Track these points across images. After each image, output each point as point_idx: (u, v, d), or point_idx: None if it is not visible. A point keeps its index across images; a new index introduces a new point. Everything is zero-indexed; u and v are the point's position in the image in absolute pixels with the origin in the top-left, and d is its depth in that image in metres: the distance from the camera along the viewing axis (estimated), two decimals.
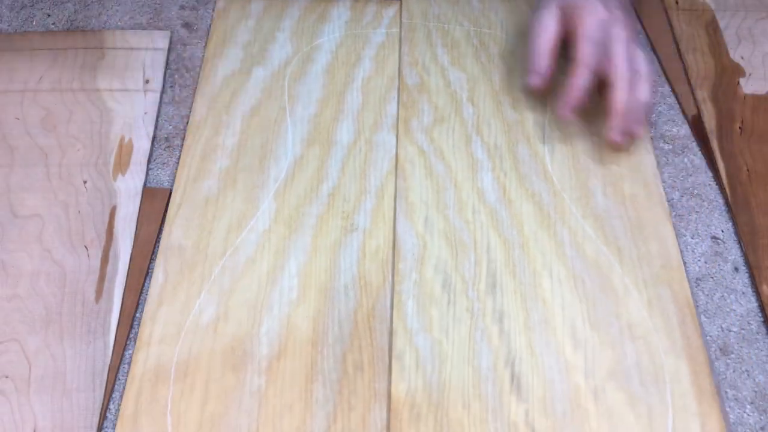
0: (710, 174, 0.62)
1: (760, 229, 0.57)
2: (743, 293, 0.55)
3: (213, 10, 0.73)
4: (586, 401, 0.48)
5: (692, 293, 0.53)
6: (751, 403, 0.49)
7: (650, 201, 0.58)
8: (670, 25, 0.72)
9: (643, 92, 0.57)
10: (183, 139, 0.63)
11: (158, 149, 0.63)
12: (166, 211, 0.58)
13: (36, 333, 0.51)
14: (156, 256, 0.55)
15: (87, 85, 0.66)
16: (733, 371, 0.51)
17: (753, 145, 0.62)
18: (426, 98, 0.65)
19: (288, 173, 0.60)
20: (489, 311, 0.52)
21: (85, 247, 0.56)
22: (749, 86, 0.67)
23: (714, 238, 0.58)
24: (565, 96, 0.58)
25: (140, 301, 0.54)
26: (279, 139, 0.62)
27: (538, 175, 0.60)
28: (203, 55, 0.69)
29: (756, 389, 0.50)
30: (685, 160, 0.63)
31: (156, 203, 0.59)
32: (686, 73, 0.68)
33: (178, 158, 0.61)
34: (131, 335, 0.52)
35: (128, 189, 0.59)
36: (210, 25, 0.72)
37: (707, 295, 0.55)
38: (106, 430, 0.48)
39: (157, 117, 0.65)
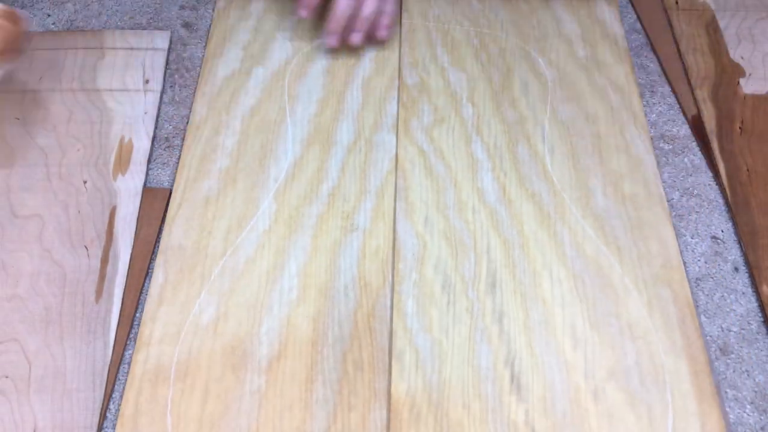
0: (710, 174, 0.62)
1: (760, 229, 0.57)
2: (743, 293, 0.55)
3: (213, 10, 0.73)
4: (586, 401, 0.48)
5: (692, 293, 0.53)
6: (751, 403, 0.49)
7: (650, 201, 0.58)
8: (670, 25, 0.72)
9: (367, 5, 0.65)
10: (183, 139, 0.63)
11: (158, 149, 0.63)
12: (166, 211, 0.58)
13: (36, 333, 0.51)
14: (156, 256, 0.55)
15: (87, 85, 0.66)
16: (733, 371, 0.51)
17: (753, 145, 0.62)
18: (426, 98, 0.65)
19: (288, 173, 0.60)
20: (489, 311, 0.52)
21: (85, 247, 0.56)
22: (749, 86, 0.67)
23: (714, 238, 0.58)
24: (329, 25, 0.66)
25: (140, 301, 0.54)
26: (279, 139, 0.62)
27: (537, 175, 0.60)
28: (203, 55, 0.69)
29: (756, 389, 0.50)
30: (685, 160, 0.63)
31: (156, 203, 0.59)
32: (686, 73, 0.68)
33: (178, 158, 0.61)
34: (131, 335, 0.52)
35: (128, 189, 0.59)
36: (210, 25, 0.72)
37: (707, 295, 0.55)
38: (106, 430, 0.48)
39: (157, 117, 0.65)
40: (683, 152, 0.63)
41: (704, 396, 0.48)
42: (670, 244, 0.55)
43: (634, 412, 0.47)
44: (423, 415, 0.47)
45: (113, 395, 0.50)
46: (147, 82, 0.66)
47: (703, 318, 0.53)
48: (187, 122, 0.64)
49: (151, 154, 0.62)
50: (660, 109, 0.66)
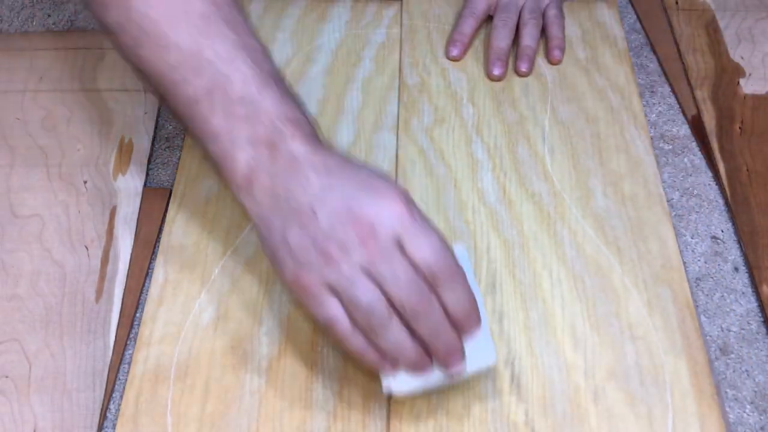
0: (710, 174, 0.62)
1: (760, 229, 0.57)
2: (743, 293, 0.55)
3: None
4: (586, 401, 0.48)
5: (692, 293, 0.53)
6: (751, 403, 0.49)
7: (650, 201, 0.58)
8: (670, 25, 0.72)
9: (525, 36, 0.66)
10: (183, 139, 0.63)
11: (158, 149, 0.63)
12: (166, 211, 0.58)
13: (36, 333, 0.51)
14: (156, 256, 0.55)
15: (87, 85, 0.66)
16: (733, 371, 0.51)
17: (753, 145, 0.62)
18: (426, 98, 0.65)
19: None
20: (489, 311, 0.52)
21: (85, 247, 0.56)
22: (749, 86, 0.67)
23: (714, 238, 0.58)
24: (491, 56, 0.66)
25: (140, 301, 0.54)
26: None
27: (538, 176, 0.60)
28: None
29: (756, 389, 0.50)
30: (685, 160, 0.63)
31: (156, 203, 0.59)
32: (686, 73, 0.68)
33: (178, 158, 0.61)
34: (131, 335, 0.52)
35: (128, 189, 0.59)
36: None
37: (707, 295, 0.55)
38: (106, 430, 0.48)
39: (158, 117, 0.65)
40: (683, 152, 0.63)
41: (704, 396, 0.48)
42: (670, 244, 0.55)
43: (633, 412, 0.47)
44: (423, 415, 0.47)
45: (113, 395, 0.50)
46: None
47: (703, 318, 0.53)
48: None
49: (151, 154, 0.62)
50: (660, 109, 0.66)
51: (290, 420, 0.47)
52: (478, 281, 0.53)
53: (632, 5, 0.75)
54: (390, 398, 0.48)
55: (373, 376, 0.48)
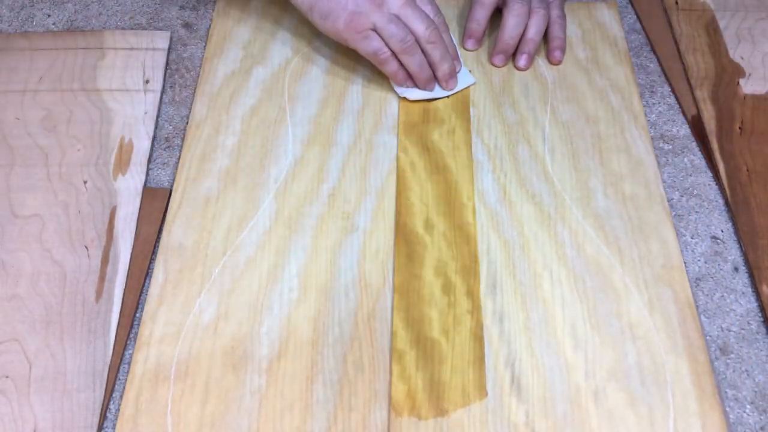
0: (710, 174, 0.62)
1: (760, 229, 0.57)
2: (743, 293, 0.55)
3: (213, 10, 0.73)
4: (587, 402, 0.48)
5: (692, 293, 0.53)
6: (751, 403, 0.49)
7: (651, 201, 0.58)
8: (670, 25, 0.72)
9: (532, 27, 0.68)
10: (183, 139, 0.63)
11: (158, 149, 0.63)
12: (166, 211, 0.58)
13: (36, 333, 0.51)
14: (156, 256, 0.55)
15: (87, 85, 0.66)
16: (733, 371, 0.51)
17: (753, 145, 0.62)
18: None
19: (288, 173, 0.60)
20: (489, 312, 0.52)
21: (85, 247, 0.56)
22: (749, 86, 0.67)
23: (714, 238, 0.58)
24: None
25: (140, 301, 0.54)
26: (279, 139, 0.62)
27: (538, 176, 0.60)
28: (203, 55, 0.69)
29: (756, 389, 0.50)
30: (685, 160, 0.63)
31: (156, 203, 0.59)
32: (686, 73, 0.68)
33: (178, 158, 0.61)
34: (131, 335, 0.52)
35: (128, 189, 0.59)
36: (210, 25, 0.72)
37: (707, 295, 0.55)
38: (106, 430, 0.48)
39: (157, 117, 0.65)
40: (683, 152, 0.63)
41: (705, 396, 0.48)
42: (670, 245, 0.55)
43: (635, 412, 0.47)
44: (423, 416, 0.47)
45: (113, 395, 0.50)
46: (147, 82, 0.66)
47: (702, 318, 0.53)
48: (187, 122, 0.64)
49: (151, 154, 0.62)
50: (660, 109, 0.66)
51: (290, 420, 0.47)
52: (478, 282, 0.53)
53: (632, 5, 0.75)
54: (390, 399, 0.48)
55: (373, 377, 0.48)
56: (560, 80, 0.67)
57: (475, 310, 0.52)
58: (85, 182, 0.60)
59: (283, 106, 0.64)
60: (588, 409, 0.47)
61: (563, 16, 0.69)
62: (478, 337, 0.50)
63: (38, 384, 0.49)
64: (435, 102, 0.65)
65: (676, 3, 0.74)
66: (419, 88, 0.64)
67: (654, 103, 0.67)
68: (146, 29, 0.72)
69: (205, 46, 0.70)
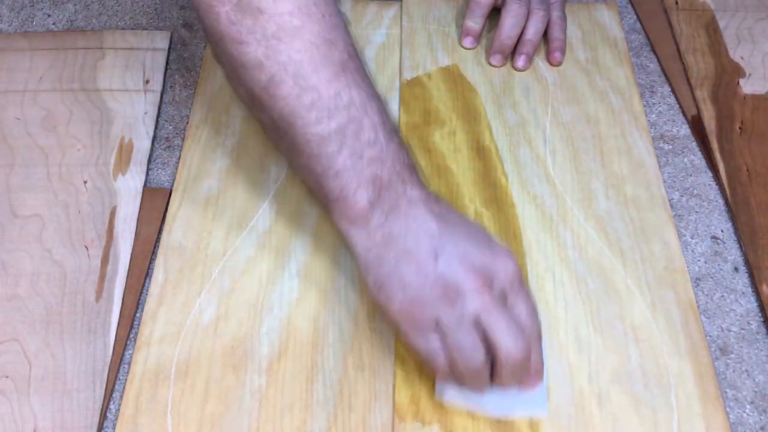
0: (710, 174, 0.62)
1: (760, 229, 0.57)
2: (743, 293, 0.55)
3: None
4: (590, 404, 0.48)
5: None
6: (751, 403, 0.49)
7: (652, 203, 0.58)
8: (670, 25, 0.72)
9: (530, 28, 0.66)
10: (183, 139, 0.63)
11: (158, 149, 0.63)
12: (166, 211, 0.58)
13: (36, 333, 0.51)
14: (156, 256, 0.55)
15: (87, 85, 0.66)
16: (733, 371, 0.51)
17: (753, 145, 0.62)
18: (427, 101, 0.65)
19: (288, 173, 0.60)
20: None
21: (85, 247, 0.56)
22: (749, 86, 0.67)
23: (714, 238, 0.58)
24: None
25: (140, 301, 0.54)
26: None
27: (539, 178, 0.59)
28: (203, 55, 0.69)
29: (756, 389, 0.50)
30: (685, 160, 0.63)
31: (156, 203, 0.59)
32: (686, 73, 0.68)
33: (178, 158, 0.61)
34: (131, 335, 0.52)
35: (128, 189, 0.59)
36: None
37: (707, 295, 0.55)
38: (106, 430, 0.48)
39: (157, 117, 0.65)
40: (683, 152, 0.63)
41: (709, 398, 0.48)
42: (672, 246, 0.55)
43: (638, 414, 0.47)
44: (427, 420, 0.47)
45: (113, 395, 0.50)
46: (147, 82, 0.66)
47: (703, 318, 0.53)
48: (187, 122, 0.64)
49: (151, 154, 0.62)
50: (660, 109, 0.66)
51: (290, 420, 0.47)
52: None
53: (632, 5, 0.75)
54: (394, 404, 0.48)
55: (373, 377, 0.48)
56: (561, 81, 0.67)
57: None
58: (85, 182, 0.60)
59: None
60: (592, 412, 0.47)
61: (564, 18, 0.69)
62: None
63: (38, 384, 0.49)
64: (436, 103, 0.65)
65: (676, 3, 0.74)
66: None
67: (654, 104, 0.67)
68: (146, 29, 0.72)
69: (205, 46, 0.70)
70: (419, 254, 0.44)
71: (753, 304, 0.54)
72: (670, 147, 0.64)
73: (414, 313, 0.44)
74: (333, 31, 0.47)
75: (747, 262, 0.56)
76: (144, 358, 0.50)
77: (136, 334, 0.51)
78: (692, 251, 0.57)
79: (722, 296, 0.55)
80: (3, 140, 0.62)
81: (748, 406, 0.49)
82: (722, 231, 0.58)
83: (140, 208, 0.58)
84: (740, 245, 0.57)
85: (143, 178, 0.60)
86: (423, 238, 0.44)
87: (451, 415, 0.47)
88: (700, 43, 0.70)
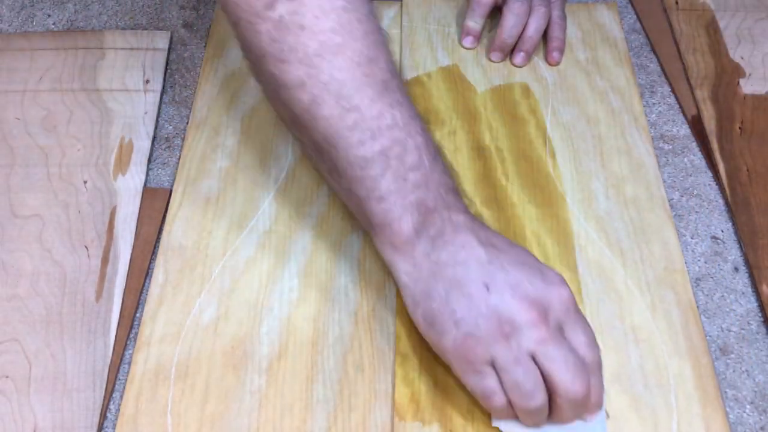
0: (710, 174, 0.62)
1: (760, 229, 0.57)
2: (743, 293, 0.55)
3: (213, 10, 0.73)
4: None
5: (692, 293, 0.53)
6: (751, 403, 0.49)
7: (652, 203, 0.58)
8: (670, 26, 0.72)
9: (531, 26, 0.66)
10: (183, 139, 0.63)
11: (158, 149, 0.63)
12: (166, 211, 0.58)
13: (36, 333, 0.51)
14: (156, 256, 0.55)
15: (87, 85, 0.66)
16: (733, 371, 0.51)
17: (753, 145, 0.62)
18: (427, 101, 0.65)
19: (288, 173, 0.60)
20: None
21: (85, 247, 0.56)
22: (749, 86, 0.67)
23: (714, 238, 0.58)
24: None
25: (140, 301, 0.54)
26: (279, 139, 0.62)
27: (540, 178, 0.59)
28: (203, 55, 0.69)
29: (756, 389, 0.50)
30: (685, 160, 0.63)
31: (156, 203, 0.59)
32: (686, 73, 0.68)
33: (178, 158, 0.61)
34: (131, 335, 0.52)
35: (128, 189, 0.59)
36: (210, 25, 0.72)
37: (707, 295, 0.55)
38: (106, 430, 0.48)
39: (157, 117, 0.65)
40: (683, 152, 0.63)
41: (708, 399, 0.48)
42: (672, 247, 0.55)
43: (638, 415, 0.47)
44: (427, 420, 0.47)
45: (113, 395, 0.50)
46: (147, 82, 0.66)
47: (702, 318, 0.53)
48: (187, 122, 0.64)
49: (151, 154, 0.62)
50: (660, 109, 0.66)
51: (290, 420, 0.47)
52: None
53: (632, 5, 0.75)
54: (394, 403, 0.48)
55: (373, 377, 0.48)
56: (560, 81, 0.67)
57: None
58: (85, 182, 0.60)
59: None
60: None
61: (564, 17, 0.69)
62: None
63: (38, 384, 0.49)
64: (436, 103, 0.65)
65: (676, 3, 0.74)
66: None
67: (654, 103, 0.67)
68: (146, 29, 0.72)
69: (205, 46, 0.70)
70: (470, 285, 0.42)
71: (753, 304, 0.54)
72: (670, 147, 0.64)
73: (468, 351, 0.42)
74: (375, 48, 0.45)
75: (747, 262, 0.56)
76: (144, 358, 0.50)
77: (136, 334, 0.51)
78: (692, 251, 0.57)
79: (722, 296, 0.55)
80: (3, 140, 0.62)
81: (748, 406, 0.49)
82: (722, 231, 0.58)
83: (140, 208, 0.58)
84: (740, 245, 0.57)
85: (143, 178, 0.60)
86: (473, 266, 0.43)
87: (451, 415, 0.47)
88: (700, 43, 0.70)
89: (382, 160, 0.44)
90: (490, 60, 0.68)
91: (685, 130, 0.65)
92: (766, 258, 0.56)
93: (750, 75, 0.68)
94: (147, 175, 0.61)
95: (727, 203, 0.59)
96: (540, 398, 0.42)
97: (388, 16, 0.72)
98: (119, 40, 0.70)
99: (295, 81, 0.44)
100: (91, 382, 0.49)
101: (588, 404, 0.43)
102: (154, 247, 0.56)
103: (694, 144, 0.64)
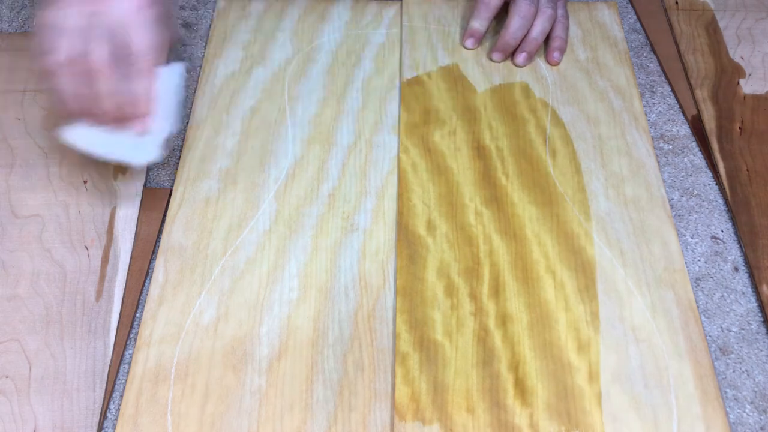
0: (710, 174, 0.62)
1: (760, 229, 0.57)
2: (743, 293, 0.55)
3: (213, 10, 0.73)
4: (591, 405, 0.48)
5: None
6: (751, 403, 0.49)
7: (652, 203, 0.58)
8: (670, 26, 0.72)
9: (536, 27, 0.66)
10: (183, 139, 0.63)
11: None
12: (166, 211, 0.58)
13: (36, 333, 0.51)
14: (156, 256, 0.55)
15: None
16: (733, 371, 0.51)
17: (753, 145, 0.62)
18: (427, 100, 0.65)
19: (288, 173, 0.60)
20: (492, 314, 0.52)
21: (85, 247, 0.56)
22: (749, 86, 0.67)
23: (714, 238, 0.58)
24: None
25: (140, 301, 0.54)
26: (279, 139, 0.62)
27: (539, 178, 0.60)
28: (203, 55, 0.69)
29: (756, 389, 0.50)
30: (685, 160, 0.63)
31: (156, 203, 0.59)
32: (686, 73, 0.68)
33: (178, 158, 0.61)
34: (131, 335, 0.52)
35: (128, 189, 0.59)
36: (210, 25, 0.72)
37: (707, 295, 0.55)
38: (106, 430, 0.48)
39: None
40: (683, 152, 0.63)
41: (708, 399, 0.48)
42: (672, 247, 0.55)
43: (638, 415, 0.47)
44: (427, 419, 0.47)
45: (113, 395, 0.50)
46: None
47: (702, 318, 0.53)
48: (187, 122, 0.64)
49: None
50: (660, 109, 0.66)
51: (290, 420, 0.47)
52: (482, 284, 0.53)
53: (632, 5, 0.75)
54: (394, 402, 0.48)
55: (373, 377, 0.48)
56: (561, 81, 0.67)
57: (479, 312, 0.52)
58: (85, 182, 0.60)
59: (283, 106, 0.64)
60: (592, 413, 0.47)
61: (566, 16, 0.69)
62: (481, 340, 0.50)
63: (38, 384, 0.49)
64: (436, 103, 0.65)
65: (676, 3, 0.74)
66: None
67: (654, 103, 0.67)
68: None
69: (205, 46, 0.70)
70: None
71: (753, 304, 0.54)
72: (670, 147, 0.64)
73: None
74: None
75: (747, 262, 0.56)
76: (144, 359, 0.50)
77: (136, 334, 0.52)
78: (692, 251, 0.57)
79: (722, 296, 0.55)
80: (3, 140, 0.62)
81: (748, 406, 0.49)
82: (722, 231, 0.58)
83: (140, 208, 0.58)
84: (740, 245, 0.57)
85: (143, 177, 0.60)
86: None
87: (452, 414, 0.47)
88: (700, 43, 0.70)
89: None
90: (490, 60, 0.68)
91: (685, 130, 0.65)
92: (766, 258, 0.56)
93: (750, 75, 0.68)
94: (147, 175, 0.61)
95: (727, 203, 0.60)
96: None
97: (388, 15, 0.72)
98: None
99: None
100: (91, 382, 0.49)
101: (134, 112, 0.47)
102: (154, 247, 0.56)
103: (694, 144, 0.64)
